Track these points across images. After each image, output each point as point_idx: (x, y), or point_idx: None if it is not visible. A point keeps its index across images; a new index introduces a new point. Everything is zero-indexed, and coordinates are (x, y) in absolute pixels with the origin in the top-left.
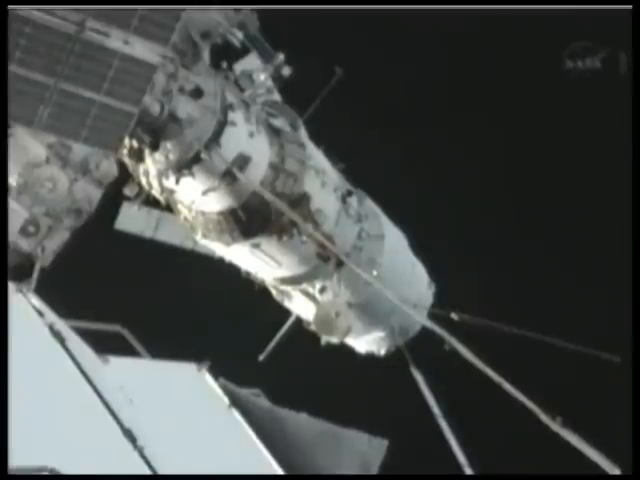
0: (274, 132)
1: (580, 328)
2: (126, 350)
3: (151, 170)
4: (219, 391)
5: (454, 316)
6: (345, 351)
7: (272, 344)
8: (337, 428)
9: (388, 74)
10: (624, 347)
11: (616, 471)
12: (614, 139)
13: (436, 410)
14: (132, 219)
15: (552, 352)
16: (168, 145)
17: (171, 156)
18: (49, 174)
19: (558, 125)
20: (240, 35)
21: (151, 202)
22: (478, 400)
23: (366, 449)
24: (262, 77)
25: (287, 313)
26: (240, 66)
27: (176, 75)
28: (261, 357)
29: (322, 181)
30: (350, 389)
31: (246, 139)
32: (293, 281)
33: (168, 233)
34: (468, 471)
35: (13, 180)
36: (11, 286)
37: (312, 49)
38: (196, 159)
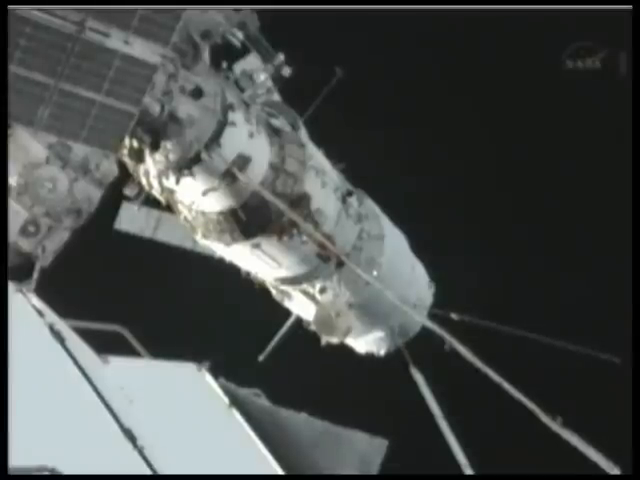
0: (274, 132)
1: (580, 328)
2: (126, 350)
3: (151, 170)
4: (219, 391)
5: (454, 316)
6: (345, 351)
7: (272, 344)
8: (337, 428)
9: (388, 74)
10: (624, 347)
11: (616, 471)
12: (614, 139)
13: (436, 410)
14: (132, 219)
15: (552, 352)
16: (168, 145)
17: (171, 156)
18: (49, 174)
19: (558, 125)
20: (240, 35)
21: (151, 202)
22: (478, 400)
23: (366, 449)
24: (262, 77)
25: (287, 313)
26: (240, 66)
27: (176, 75)
28: (261, 357)
29: (322, 181)
30: (350, 389)
31: (246, 139)
32: (293, 281)
33: (168, 233)
34: (468, 471)
35: (13, 180)
36: (11, 286)
37: (312, 49)
38: (196, 159)
